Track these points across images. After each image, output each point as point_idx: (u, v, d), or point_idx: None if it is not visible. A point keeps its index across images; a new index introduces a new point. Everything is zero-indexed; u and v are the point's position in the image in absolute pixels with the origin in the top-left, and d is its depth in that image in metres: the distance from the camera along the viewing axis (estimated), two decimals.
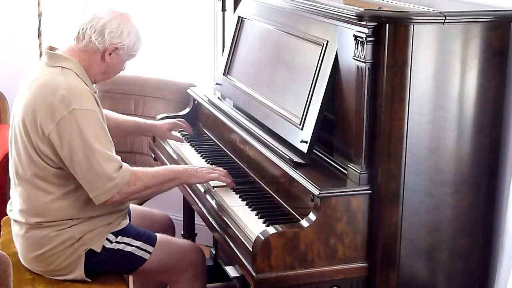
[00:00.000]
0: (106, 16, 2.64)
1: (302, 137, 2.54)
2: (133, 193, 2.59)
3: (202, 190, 2.83)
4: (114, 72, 2.75)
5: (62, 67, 2.60)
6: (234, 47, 3.26)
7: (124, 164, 2.57)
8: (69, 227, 2.62)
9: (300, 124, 2.56)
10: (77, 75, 2.61)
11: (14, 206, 2.72)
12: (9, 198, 2.80)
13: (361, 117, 2.33)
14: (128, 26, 2.66)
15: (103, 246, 2.66)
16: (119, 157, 2.58)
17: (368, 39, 2.25)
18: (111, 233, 2.69)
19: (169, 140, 3.34)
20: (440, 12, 2.26)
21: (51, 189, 2.60)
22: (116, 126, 3.08)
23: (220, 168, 2.79)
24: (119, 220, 2.73)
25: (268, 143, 2.70)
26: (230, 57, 3.28)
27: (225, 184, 2.73)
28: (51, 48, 2.70)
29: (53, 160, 2.56)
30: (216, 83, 3.35)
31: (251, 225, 2.46)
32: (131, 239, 2.71)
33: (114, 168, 2.53)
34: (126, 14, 2.70)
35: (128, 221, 2.80)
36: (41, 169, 2.58)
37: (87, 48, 2.63)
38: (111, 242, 2.68)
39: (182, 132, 3.39)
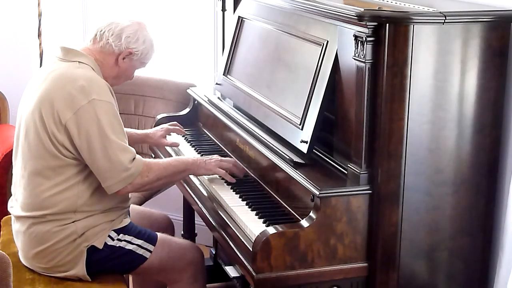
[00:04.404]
0: (124, 22, 2.74)
1: (302, 137, 2.53)
2: (146, 184, 2.65)
3: (206, 194, 2.83)
4: (125, 78, 2.83)
5: (79, 61, 2.67)
6: (234, 47, 3.26)
7: (137, 156, 2.64)
8: (72, 222, 2.64)
9: (300, 124, 2.56)
10: (94, 70, 2.69)
11: (17, 201, 2.73)
12: (9, 196, 2.81)
13: (361, 117, 2.33)
14: (144, 33, 2.76)
15: (105, 243, 2.68)
16: (133, 149, 2.64)
17: (368, 39, 2.25)
18: (113, 230, 2.71)
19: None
20: (440, 12, 2.26)
21: (58, 180, 2.62)
22: None
23: (228, 159, 2.87)
24: (122, 217, 2.75)
25: (268, 143, 2.70)
26: (230, 57, 3.28)
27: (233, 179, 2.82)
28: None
29: (68, 149, 2.59)
30: (216, 83, 3.35)
31: (251, 225, 2.46)
32: (132, 237, 2.73)
33: (129, 159, 2.59)
34: (143, 23, 2.79)
35: (130, 220, 2.81)
36: (54, 158, 2.60)
37: (103, 49, 2.72)
38: (113, 240, 2.70)
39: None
